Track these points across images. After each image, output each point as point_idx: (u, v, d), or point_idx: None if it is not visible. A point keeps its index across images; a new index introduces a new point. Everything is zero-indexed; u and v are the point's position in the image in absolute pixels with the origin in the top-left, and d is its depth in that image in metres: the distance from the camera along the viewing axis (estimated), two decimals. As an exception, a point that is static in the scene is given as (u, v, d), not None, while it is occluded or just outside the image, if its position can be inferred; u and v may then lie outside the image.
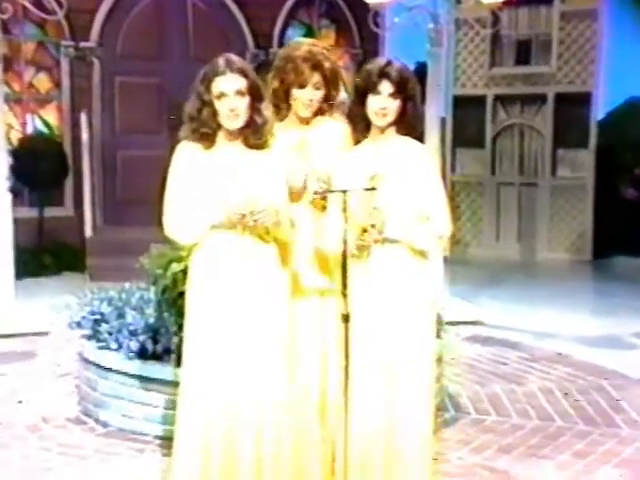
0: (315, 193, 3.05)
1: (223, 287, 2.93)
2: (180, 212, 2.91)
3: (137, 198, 8.18)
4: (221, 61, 2.94)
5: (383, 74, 3.04)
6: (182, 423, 2.95)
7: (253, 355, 2.93)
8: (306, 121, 3.26)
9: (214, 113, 2.93)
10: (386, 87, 3.03)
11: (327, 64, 3.21)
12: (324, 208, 3.13)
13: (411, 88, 3.07)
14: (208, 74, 2.93)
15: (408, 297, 3.04)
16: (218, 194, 2.90)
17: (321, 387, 3.19)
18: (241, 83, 2.93)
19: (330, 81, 3.23)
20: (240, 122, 2.94)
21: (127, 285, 4.57)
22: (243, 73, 2.95)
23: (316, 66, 3.20)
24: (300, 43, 3.30)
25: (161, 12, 8.95)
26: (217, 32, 8.97)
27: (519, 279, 8.40)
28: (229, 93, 2.92)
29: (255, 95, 2.97)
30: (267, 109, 3.02)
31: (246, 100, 2.94)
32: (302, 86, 3.21)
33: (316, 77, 3.21)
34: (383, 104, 3.04)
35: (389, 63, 3.08)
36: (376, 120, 3.07)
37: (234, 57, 2.98)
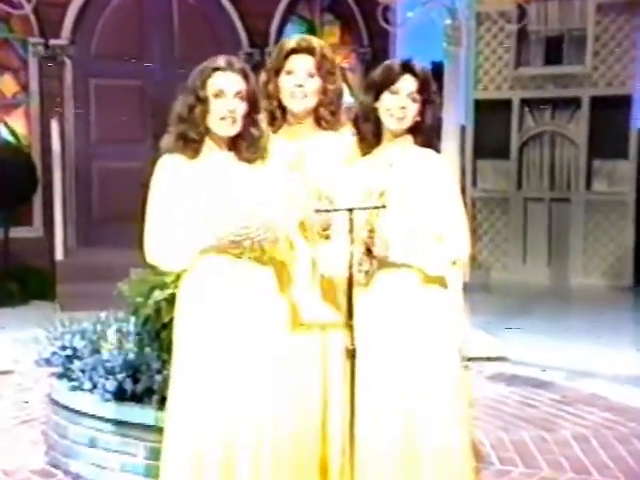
0: (317, 211, 3.08)
1: (215, 318, 2.96)
2: (163, 235, 2.93)
3: (115, 216, 8.21)
4: (222, 58, 3.00)
5: (406, 68, 3.06)
6: (167, 472, 2.96)
7: (249, 394, 2.94)
8: (298, 122, 3.27)
9: (205, 114, 2.96)
10: (408, 84, 3.05)
11: (321, 49, 3.25)
12: (327, 238, 3.14)
13: (433, 91, 3.11)
14: (207, 68, 2.98)
15: (422, 330, 3.06)
16: (206, 211, 2.93)
17: (322, 433, 3.20)
18: (241, 85, 2.98)
19: (325, 71, 3.25)
20: (235, 129, 2.98)
21: (103, 316, 4.58)
22: (245, 76, 3.00)
23: (307, 50, 3.24)
24: (291, 37, 3.36)
25: (142, 6, 9.00)
26: (206, 29, 9.03)
27: (549, 308, 8.40)
28: (228, 93, 2.96)
29: (253, 104, 3.01)
30: (263, 122, 3.06)
31: (244, 106, 2.98)
32: (290, 72, 3.24)
33: (307, 61, 3.23)
34: (402, 103, 3.06)
35: (411, 59, 3.11)
36: (390, 122, 3.09)
37: (235, 59, 3.04)
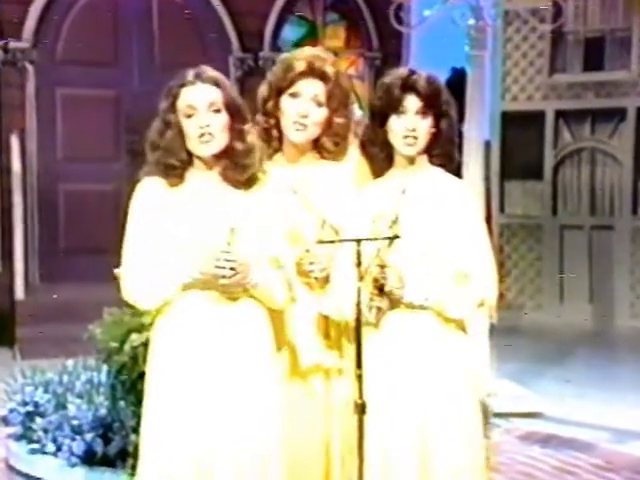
0: (320, 242, 3.10)
1: (194, 366, 2.97)
2: (141, 271, 2.97)
3: (86, 247, 8.23)
4: (189, 72, 3.04)
5: (408, 86, 3.11)
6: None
7: (236, 458, 2.95)
8: (300, 150, 3.31)
9: (181, 137, 3.00)
10: (412, 102, 3.10)
11: (336, 76, 3.28)
12: (326, 281, 3.17)
13: (444, 102, 3.15)
14: (172, 87, 3.02)
15: (441, 381, 3.08)
16: (188, 244, 2.96)
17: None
18: (214, 95, 3.01)
19: (337, 102, 3.28)
20: (214, 146, 3.00)
21: (70, 364, 4.60)
22: (216, 84, 3.03)
23: (320, 74, 3.27)
24: (305, 49, 3.39)
25: (117, 3, 9.06)
26: (191, 30, 9.08)
27: (592, 355, 8.36)
28: (199, 106, 2.99)
29: (234, 113, 3.04)
30: (251, 134, 3.08)
31: (222, 118, 3.01)
32: (295, 95, 3.28)
33: (317, 87, 3.27)
34: (411, 124, 3.10)
35: (412, 72, 3.15)
36: (403, 148, 3.13)
37: (207, 68, 3.07)
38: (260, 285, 2.98)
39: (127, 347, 4.03)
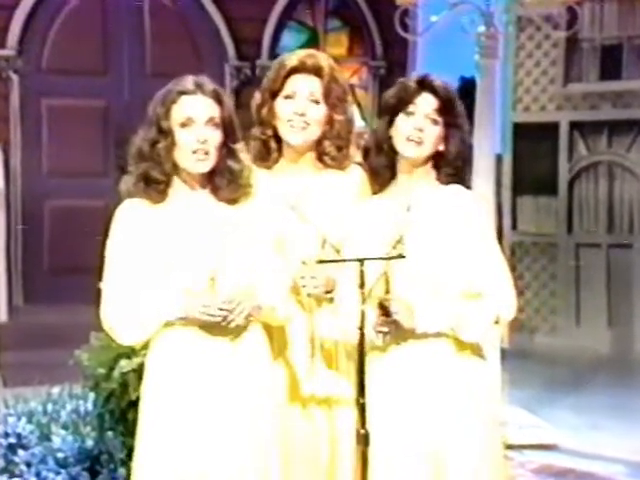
0: (320, 262, 3.11)
1: (191, 397, 2.98)
2: (122, 302, 2.96)
3: (72, 266, 8.22)
4: (189, 79, 3.05)
5: (424, 84, 3.13)
6: None
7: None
8: (301, 158, 3.31)
9: (171, 149, 3.00)
10: (426, 103, 3.11)
11: (330, 70, 3.31)
12: (331, 301, 3.18)
13: (458, 113, 3.16)
14: (170, 93, 3.03)
15: (451, 410, 3.08)
16: (176, 269, 2.97)
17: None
18: (214, 110, 3.03)
19: (334, 98, 3.30)
20: (209, 163, 3.02)
21: (55, 392, 4.60)
22: (218, 99, 3.04)
23: (314, 70, 3.29)
24: (294, 53, 3.41)
25: (106, 9, 9.08)
26: (184, 37, 9.10)
27: (610, 382, 8.32)
28: (198, 120, 3.00)
29: (230, 132, 3.06)
30: (243, 151, 3.10)
31: (218, 135, 3.02)
32: (289, 96, 3.28)
33: (312, 84, 3.29)
34: (419, 124, 3.11)
35: (430, 75, 3.17)
36: (406, 148, 3.13)
37: (206, 79, 3.09)
38: (263, 309, 2.98)
39: (116, 373, 4.03)
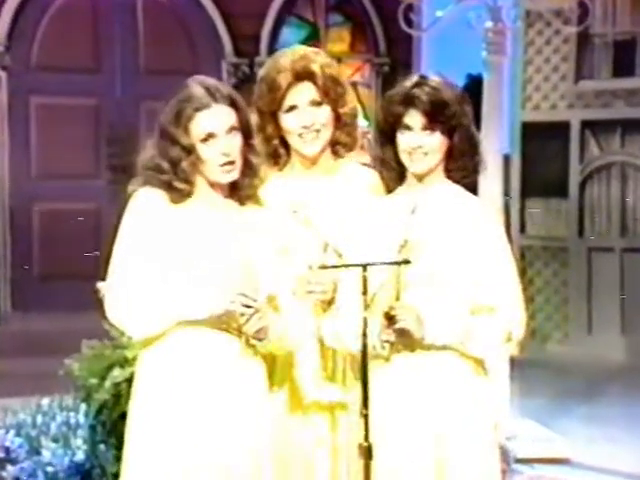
0: (322, 268, 3.11)
1: (183, 407, 2.98)
2: (135, 291, 2.96)
3: (63, 272, 8.24)
4: (198, 89, 3.05)
5: (408, 100, 3.13)
6: None
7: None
8: (311, 161, 3.34)
9: (196, 164, 3.02)
10: (414, 118, 3.13)
11: (322, 71, 3.31)
12: (330, 304, 3.18)
13: (454, 113, 3.15)
14: (185, 110, 3.03)
15: (456, 422, 3.08)
16: (198, 272, 2.98)
17: None
18: (232, 117, 3.05)
19: (334, 95, 3.32)
20: (236, 173, 3.05)
21: (45, 403, 4.59)
22: (232, 103, 3.06)
23: (306, 76, 3.30)
24: (287, 51, 3.41)
25: (97, 5, 9.07)
26: (179, 33, 9.11)
27: (625, 392, 8.29)
28: (219, 133, 3.02)
29: (247, 130, 3.10)
30: (259, 146, 3.15)
31: (239, 138, 3.05)
32: (291, 108, 3.30)
33: (309, 90, 3.31)
34: (416, 142, 3.12)
35: (419, 83, 3.16)
36: (412, 165, 3.16)
37: (210, 80, 3.10)
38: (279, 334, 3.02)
39: (108, 384, 4.03)
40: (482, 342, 3.07)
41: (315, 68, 3.31)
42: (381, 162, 3.24)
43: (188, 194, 3.06)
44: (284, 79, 3.29)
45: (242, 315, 2.93)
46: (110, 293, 3.01)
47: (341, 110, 3.35)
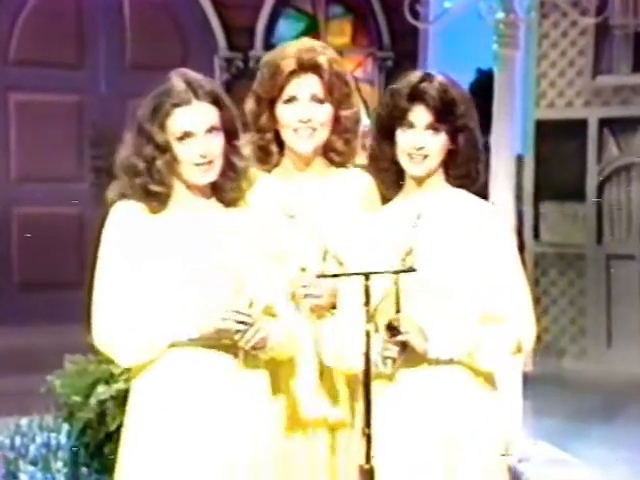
0: (321, 277, 3.11)
1: (183, 432, 2.98)
2: (122, 315, 2.96)
3: (44, 281, 8.23)
4: (179, 83, 3.04)
5: (415, 95, 3.13)
6: None
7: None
8: (304, 161, 3.34)
9: (172, 163, 3.02)
10: (420, 115, 3.12)
11: (330, 65, 3.32)
12: (333, 308, 3.18)
13: (462, 114, 3.16)
14: (163, 105, 3.02)
15: (463, 442, 3.09)
16: (185, 287, 2.98)
17: None
18: (213, 116, 3.04)
19: (339, 94, 3.33)
20: (214, 174, 3.04)
21: (24, 424, 4.59)
22: (214, 99, 3.05)
23: (312, 67, 3.31)
24: (289, 45, 3.42)
25: (81, -5, 9.11)
26: (169, 26, 9.12)
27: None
28: (198, 132, 3.01)
29: (231, 129, 3.08)
30: (246, 147, 3.12)
31: (220, 139, 3.04)
32: (290, 100, 3.30)
33: (313, 84, 3.31)
34: (419, 142, 3.13)
35: (425, 78, 3.17)
36: (410, 167, 3.16)
37: (193, 75, 3.08)
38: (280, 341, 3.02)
39: (92, 402, 4.03)
40: (491, 353, 3.08)
41: (322, 61, 3.31)
42: (377, 162, 3.24)
43: (165, 198, 3.04)
44: (287, 66, 3.30)
45: (237, 332, 2.93)
46: (96, 320, 3.01)
47: (343, 113, 3.35)
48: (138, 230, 3.03)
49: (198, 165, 3.01)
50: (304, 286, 3.18)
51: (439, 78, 3.16)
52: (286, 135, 3.33)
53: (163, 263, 3.00)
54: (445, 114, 3.12)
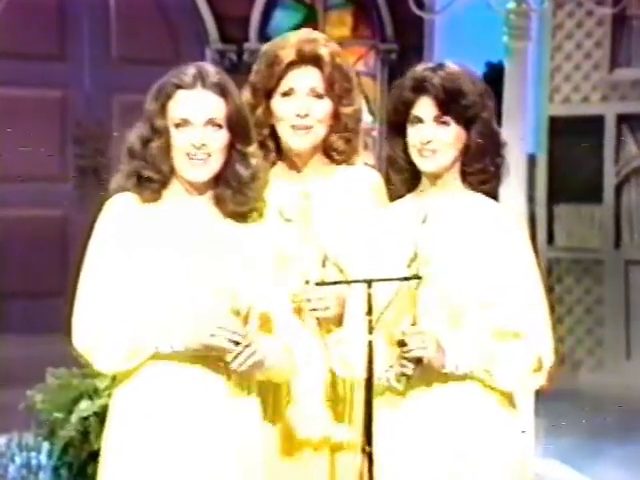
0: (320, 284, 3.11)
1: (164, 451, 2.98)
2: (104, 320, 2.96)
3: (24, 289, 8.23)
4: (190, 69, 3.06)
5: (419, 86, 3.14)
6: None
7: None
8: (304, 159, 3.33)
9: (167, 150, 3.02)
10: (426, 107, 3.13)
11: (332, 58, 3.33)
12: (339, 322, 3.18)
13: (470, 104, 3.15)
14: (166, 86, 3.05)
15: (477, 463, 3.08)
16: (173, 294, 2.98)
17: None
18: (217, 108, 3.04)
19: (339, 89, 3.34)
20: (208, 171, 3.03)
21: (2, 443, 4.59)
22: (222, 92, 3.05)
23: (312, 59, 3.32)
24: (289, 35, 3.44)
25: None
26: (158, 16, 9.11)
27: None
28: (196, 121, 3.01)
29: (238, 131, 3.07)
30: (257, 156, 3.10)
31: (222, 136, 3.04)
32: (288, 93, 3.31)
33: (313, 77, 3.32)
34: (426, 135, 3.12)
35: (434, 67, 3.17)
36: (420, 162, 3.16)
37: (211, 67, 3.10)
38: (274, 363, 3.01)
39: (75, 418, 4.03)
40: (511, 371, 3.06)
41: (324, 53, 3.33)
42: (389, 162, 3.24)
43: (159, 187, 3.04)
44: (286, 56, 3.31)
45: (229, 352, 2.91)
46: (76, 320, 3.01)
47: (343, 110, 3.35)
48: (130, 225, 3.03)
49: (191, 158, 3.00)
50: (309, 300, 3.18)
51: (449, 68, 3.15)
52: (282, 130, 3.34)
53: (149, 261, 3.00)
54: (451, 104, 3.11)
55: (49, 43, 8.99)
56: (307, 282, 3.18)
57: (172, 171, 3.06)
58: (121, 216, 3.05)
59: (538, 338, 3.09)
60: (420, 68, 3.17)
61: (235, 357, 2.91)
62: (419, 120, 3.13)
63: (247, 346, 2.90)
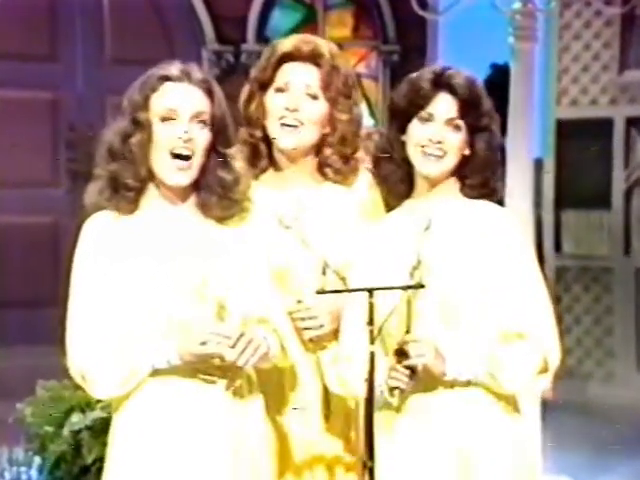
0: (320, 292, 3.11)
1: (169, 467, 2.99)
2: (97, 344, 2.96)
3: (14, 298, 8.22)
4: (176, 65, 3.08)
5: (441, 82, 3.13)
6: None
7: None
8: (292, 164, 3.33)
9: (147, 146, 3.01)
10: (444, 106, 3.12)
11: (331, 58, 3.34)
12: (334, 337, 3.19)
13: (486, 112, 3.17)
14: (151, 77, 3.06)
15: (483, 472, 3.08)
16: (157, 304, 2.99)
17: None
18: (203, 104, 3.05)
19: (336, 92, 3.33)
20: (191, 174, 3.03)
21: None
22: (208, 90, 3.07)
23: (311, 57, 3.33)
24: (291, 36, 3.46)
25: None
26: (152, 16, 9.14)
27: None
28: (183, 113, 3.02)
29: (221, 134, 3.07)
30: (237, 159, 3.11)
31: (207, 135, 3.03)
32: (281, 88, 3.31)
33: (309, 74, 3.33)
34: (437, 135, 3.11)
35: (449, 68, 3.18)
36: (423, 164, 3.14)
37: (195, 67, 3.11)
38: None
39: (66, 432, 4.03)
40: (514, 373, 3.06)
41: (324, 51, 3.33)
42: (384, 161, 3.22)
43: (136, 195, 3.03)
44: (284, 48, 3.33)
45: (228, 352, 2.91)
46: (70, 348, 3.02)
47: (339, 115, 3.33)
48: (109, 244, 3.02)
49: (175, 156, 3.00)
50: (302, 318, 3.18)
51: (465, 71, 3.17)
52: (271, 127, 3.33)
53: (133, 273, 3.00)
54: (470, 106, 3.12)
55: (41, 44, 9.00)
56: (299, 302, 3.19)
57: (150, 177, 3.05)
58: (100, 236, 3.04)
59: (542, 337, 3.10)
60: (434, 69, 3.18)
61: (240, 355, 2.89)
62: (430, 118, 3.12)
63: (249, 341, 2.89)
